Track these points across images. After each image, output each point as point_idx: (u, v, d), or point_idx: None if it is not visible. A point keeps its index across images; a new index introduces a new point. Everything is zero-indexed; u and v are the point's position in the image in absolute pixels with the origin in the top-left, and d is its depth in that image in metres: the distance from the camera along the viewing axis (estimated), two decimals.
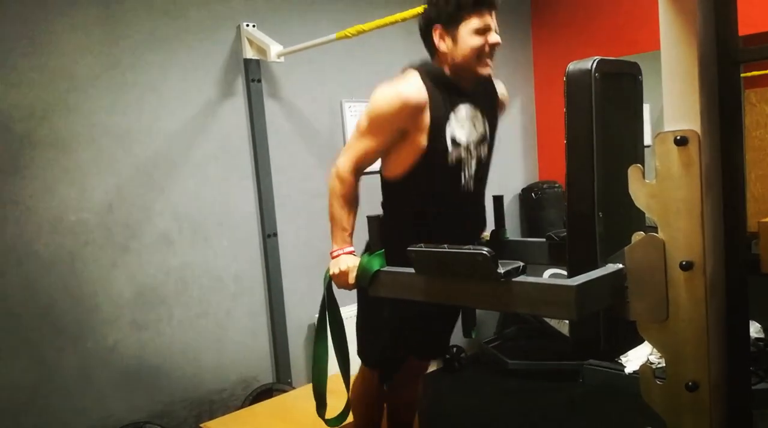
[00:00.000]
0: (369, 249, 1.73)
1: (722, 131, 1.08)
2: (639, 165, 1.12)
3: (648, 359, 3.25)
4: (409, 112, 1.76)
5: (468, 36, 1.78)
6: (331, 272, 1.83)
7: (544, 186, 4.35)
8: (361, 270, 1.67)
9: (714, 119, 1.07)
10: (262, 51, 2.99)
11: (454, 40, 1.80)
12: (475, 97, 1.89)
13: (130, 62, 2.68)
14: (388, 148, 1.84)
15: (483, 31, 1.79)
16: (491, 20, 1.81)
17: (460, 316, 2.22)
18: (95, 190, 2.59)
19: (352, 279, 1.74)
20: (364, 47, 3.40)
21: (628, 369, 3.35)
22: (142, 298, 2.73)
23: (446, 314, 2.15)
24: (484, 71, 1.85)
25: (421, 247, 1.43)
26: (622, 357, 3.40)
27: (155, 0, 2.74)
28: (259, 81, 3.06)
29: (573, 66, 1.34)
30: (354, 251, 1.85)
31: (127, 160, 2.68)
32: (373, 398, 2.21)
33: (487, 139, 1.94)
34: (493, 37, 1.81)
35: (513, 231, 4.29)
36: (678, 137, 1.05)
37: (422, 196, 1.88)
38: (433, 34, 1.83)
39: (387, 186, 1.96)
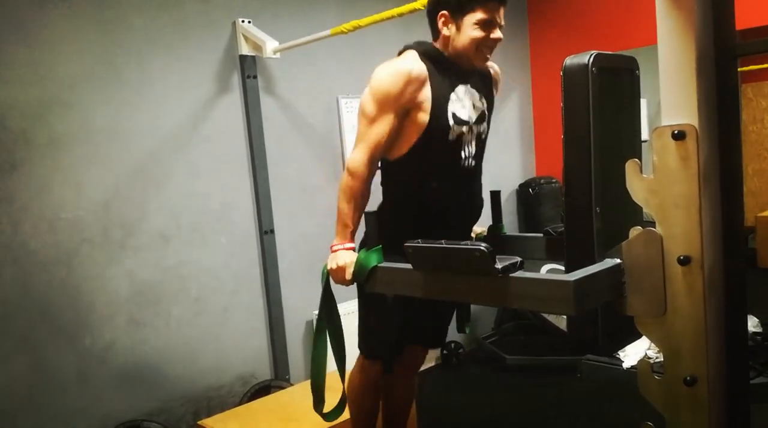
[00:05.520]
0: (365, 244, 1.73)
1: (720, 125, 1.07)
2: (636, 159, 1.11)
3: (646, 354, 3.24)
4: (413, 86, 1.79)
5: (471, 27, 1.81)
6: (328, 267, 1.82)
7: (542, 181, 4.36)
8: (359, 266, 1.67)
9: (711, 113, 1.06)
10: (257, 47, 2.97)
11: (458, 28, 1.83)
12: (472, 78, 1.93)
13: (126, 59, 2.66)
14: (397, 129, 1.84)
15: (487, 24, 1.81)
16: (498, 15, 1.82)
17: (455, 312, 2.23)
18: (91, 187, 2.58)
19: (349, 274, 1.74)
20: (361, 43, 3.39)
21: (626, 364, 3.35)
22: (140, 296, 2.73)
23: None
24: (480, 63, 1.91)
25: (418, 243, 1.43)
26: (620, 352, 3.40)
27: None
28: (255, 77, 3.04)
29: (570, 60, 1.34)
30: (354, 247, 1.85)
31: (123, 158, 2.67)
32: (372, 391, 2.21)
33: (486, 118, 1.99)
34: (496, 33, 1.83)
35: (510, 226, 4.29)
36: (675, 131, 1.04)
37: (423, 173, 1.90)
38: (438, 18, 1.85)
39: (388, 166, 1.96)
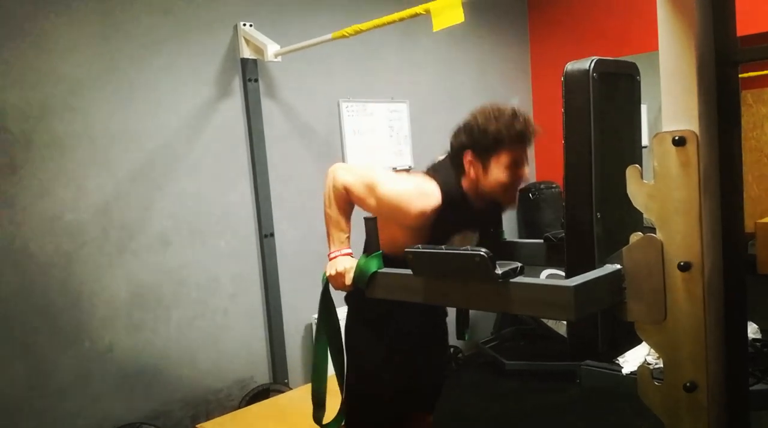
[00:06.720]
0: (365, 249, 1.72)
1: (720, 131, 1.07)
2: (637, 165, 1.11)
3: (645, 360, 3.25)
4: (418, 220, 1.77)
5: (498, 170, 1.77)
6: (327, 273, 1.82)
7: (542, 186, 4.35)
8: (359, 272, 1.67)
9: (712, 119, 1.07)
10: (259, 50, 2.98)
11: (485, 169, 1.79)
12: (481, 217, 1.91)
13: (127, 62, 2.67)
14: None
15: (513, 165, 1.77)
16: (524, 154, 1.79)
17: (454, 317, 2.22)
18: (92, 190, 2.58)
19: (348, 280, 1.74)
20: (362, 47, 3.39)
21: (626, 370, 3.35)
22: (139, 299, 2.72)
23: (432, 356, 2.17)
24: (510, 205, 1.89)
25: (419, 248, 1.43)
26: (619, 358, 3.40)
27: None
28: (256, 80, 3.05)
29: (571, 66, 1.34)
30: (352, 253, 1.84)
31: (124, 161, 2.67)
32: None
33: (486, 230, 1.96)
34: (523, 172, 1.80)
35: (510, 232, 4.28)
36: (676, 137, 1.04)
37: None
38: (464, 157, 1.80)
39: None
